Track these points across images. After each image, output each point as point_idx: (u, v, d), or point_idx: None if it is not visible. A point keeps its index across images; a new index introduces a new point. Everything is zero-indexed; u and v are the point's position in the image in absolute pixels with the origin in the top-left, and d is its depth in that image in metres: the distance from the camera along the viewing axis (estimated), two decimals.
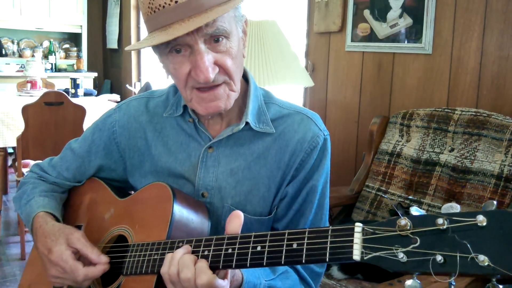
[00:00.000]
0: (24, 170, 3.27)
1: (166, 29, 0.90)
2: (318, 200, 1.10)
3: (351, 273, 1.99)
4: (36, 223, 1.12)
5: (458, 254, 0.61)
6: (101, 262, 1.01)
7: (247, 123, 1.06)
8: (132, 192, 1.18)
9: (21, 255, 3.23)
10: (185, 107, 1.11)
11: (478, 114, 2.07)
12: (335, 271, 2.00)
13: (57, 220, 1.15)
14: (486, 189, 1.95)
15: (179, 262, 0.85)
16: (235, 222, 0.86)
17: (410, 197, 2.19)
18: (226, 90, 0.99)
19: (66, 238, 1.04)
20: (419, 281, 0.64)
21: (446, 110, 2.21)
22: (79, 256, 1.03)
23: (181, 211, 0.97)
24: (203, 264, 0.84)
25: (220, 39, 0.94)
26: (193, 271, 0.83)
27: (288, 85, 2.44)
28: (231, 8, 0.91)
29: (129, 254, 1.00)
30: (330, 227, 0.74)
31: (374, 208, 2.32)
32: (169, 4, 0.89)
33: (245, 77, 1.13)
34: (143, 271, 0.95)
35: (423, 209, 2.09)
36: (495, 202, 0.61)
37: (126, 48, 1.01)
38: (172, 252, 0.89)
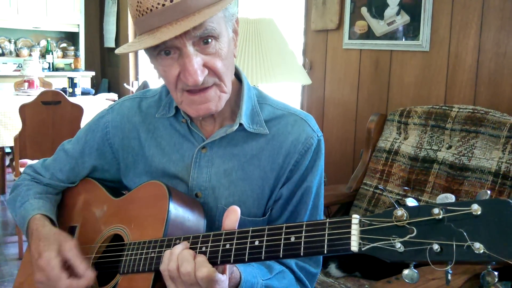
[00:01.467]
0: (22, 170, 3.27)
1: (154, 33, 0.90)
2: (312, 201, 1.10)
3: (349, 270, 1.99)
4: (33, 225, 1.11)
5: (454, 243, 0.62)
6: (86, 277, 1.00)
7: (240, 124, 1.05)
8: (126, 191, 1.18)
9: (19, 255, 3.23)
10: (177, 107, 1.10)
11: (476, 111, 2.07)
12: (333, 269, 1.99)
13: (53, 222, 1.15)
14: (484, 186, 1.95)
15: (179, 257, 0.85)
16: (232, 217, 0.86)
17: (406, 187, 2.19)
18: (217, 92, 0.99)
19: (58, 245, 1.03)
20: (416, 270, 0.65)
21: (443, 107, 2.21)
22: (68, 266, 1.02)
23: (177, 209, 0.97)
24: (202, 258, 0.84)
25: (209, 40, 0.94)
26: (193, 265, 0.83)
27: (285, 83, 2.44)
28: (218, 11, 0.90)
29: (125, 252, 1.00)
30: (328, 220, 0.74)
31: (372, 206, 2.32)
32: (157, 8, 0.89)
33: (238, 77, 1.12)
34: (140, 269, 0.95)
35: None
36: (488, 192, 0.62)
37: (116, 51, 1.00)
38: (170, 249, 0.89)
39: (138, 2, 0.91)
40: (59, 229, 1.11)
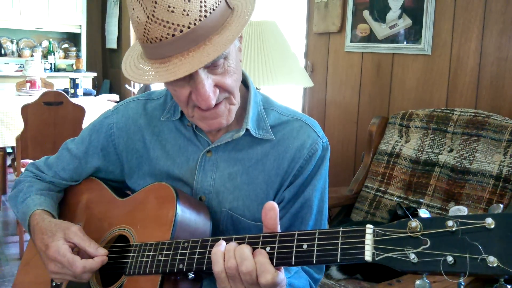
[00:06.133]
0: (25, 167, 3.27)
1: (166, 64, 0.88)
2: (317, 205, 1.10)
3: (350, 273, 2.00)
4: (33, 221, 1.11)
5: (468, 255, 0.63)
6: (99, 255, 1.01)
7: (247, 129, 1.06)
8: (131, 192, 1.18)
9: (20, 255, 3.23)
10: (182, 111, 1.10)
11: (477, 114, 2.08)
12: (334, 271, 2.00)
13: (54, 217, 1.14)
14: (485, 190, 1.95)
15: (236, 253, 0.81)
16: (271, 214, 0.83)
17: (411, 196, 2.19)
18: (227, 105, 0.99)
19: (63, 233, 1.04)
20: (428, 281, 0.66)
21: (445, 110, 2.21)
22: (78, 251, 1.03)
23: (184, 212, 0.98)
24: (264, 258, 0.80)
25: (219, 62, 0.93)
26: (253, 263, 0.79)
27: (287, 85, 2.45)
28: (230, 43, 0.87)
29: (131, 254, 1.00)
30: (341, 229, 0.75)
31: (373, 209, 2.32)
32: (166, 38, 0.86)
33: (245, 82, 1.12)
34: (147, 272, 0.95)
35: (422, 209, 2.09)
36: (501, 205, 0.63)
37: (126, 76, 0.96)
38: (178, 251, 0.90)
39: (145, 30, 0.88)
40: (59, 220, 1.11)
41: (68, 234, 1.03)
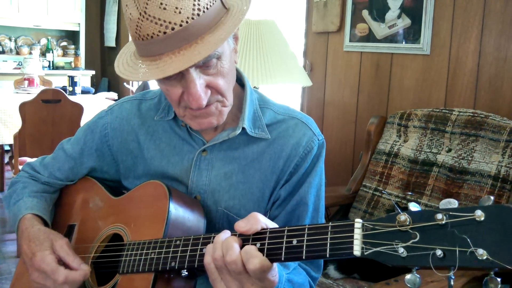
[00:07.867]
0: (21, 168, 3.27)
1: (156, 61, 0.87)
2: (313, 203, 1.09)
3: (347, 272, 1.99)
4: (22, 225, 1.11)
5: (457, 249, 0.62)
6: (82, 270, 1.00)
7: (243, 128, 1.05)
8: (126, 191, 1.18)
9: (17, 253, 3.23)
10: None
11: (476, 115, 2.08)
12: (331, 270, 2.00)
13: (45, 222, 1.14)
14: (483, 190, 1.95)
15: (223, 244, 0.80)
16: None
17: (409, 192, 2.19)
18: (219, 106, 0.98)
19: (50, 244, 1.03)
20: (418, 275, 0.65)
21: (443, 110, 2.21)
22: (62, 264, 1.02)
23: (177, 209, 0.98)
24: (251, 246, 0.79)
25: (211, 62, 0.92)
26: (238, 253, 0.78)
27: (286, 84, 2.44)
28: (222, 42, 0.86)
29: (125, 252, 1.00)
30: (330, 224, 0.74)
31: (371, 208, 2.32)
32: (158, 35, 0.86)
33: (240, 81, 1.12)
34: (140, 270, 0.95)
35: None
36: (492, 198, 0.62)
37: (118, 72, 0.97)
38: (170, 249, 0.90)
39: (137, 26, 0.87)
40: (49, 228, 1.11)
41: (55, 246, 1.03)
